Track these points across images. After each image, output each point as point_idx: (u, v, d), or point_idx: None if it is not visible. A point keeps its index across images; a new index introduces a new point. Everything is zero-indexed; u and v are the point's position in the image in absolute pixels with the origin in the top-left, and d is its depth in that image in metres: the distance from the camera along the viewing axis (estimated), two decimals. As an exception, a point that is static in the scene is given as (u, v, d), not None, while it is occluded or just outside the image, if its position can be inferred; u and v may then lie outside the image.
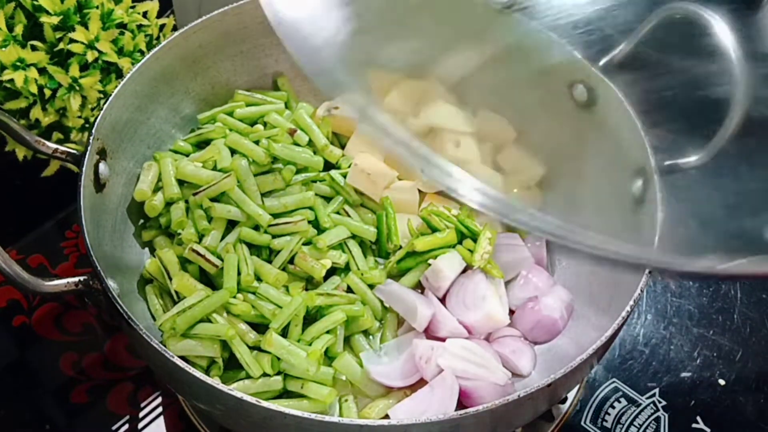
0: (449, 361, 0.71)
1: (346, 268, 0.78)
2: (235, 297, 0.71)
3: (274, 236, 0.76)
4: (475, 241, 0.79)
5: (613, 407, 0.82)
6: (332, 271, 0.77)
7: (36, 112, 0.86)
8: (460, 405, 0.70)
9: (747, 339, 0.88)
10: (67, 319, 0.86)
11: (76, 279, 0.64)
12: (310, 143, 0.84)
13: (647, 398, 0.83)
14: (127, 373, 0.83)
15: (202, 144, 0.84)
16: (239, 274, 0.72)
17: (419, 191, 0.85)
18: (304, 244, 0.76)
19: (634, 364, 0.85)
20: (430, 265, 0.77)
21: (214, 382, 0.58)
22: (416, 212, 0.83)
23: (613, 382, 0.84)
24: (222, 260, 0.72)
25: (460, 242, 0.80)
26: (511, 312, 0.79)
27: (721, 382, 0.84)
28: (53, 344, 0.85)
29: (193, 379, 0.59)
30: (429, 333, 0.75)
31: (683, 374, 0.85)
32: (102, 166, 0.74)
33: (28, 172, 0.90)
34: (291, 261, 0.75)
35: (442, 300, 0.77)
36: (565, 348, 0.77)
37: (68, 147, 0.88)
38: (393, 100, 0.89)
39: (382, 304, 0.76)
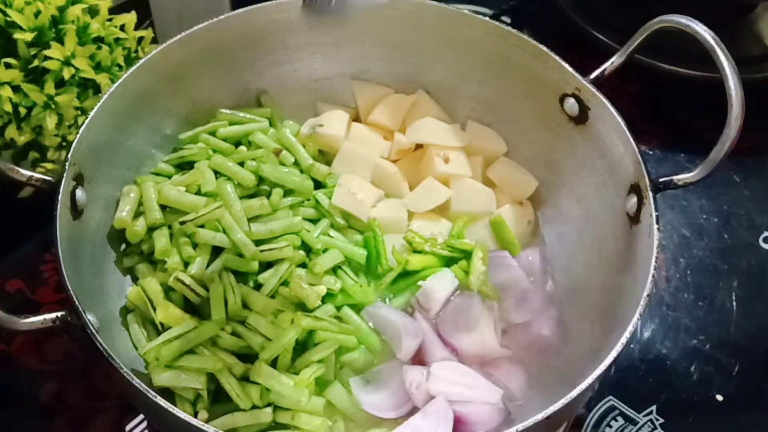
0: (439, 385, 0.69)
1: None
2: (222, 328, 0.68)
3: (260, 263, 0.73)
4: (468, 260, 0.77)
5: (610, 426, 0.81)
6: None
7: (11, 132, 0.83)
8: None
9: (744, 352, 0.86)
10: (48, 346, 0.83)
11: (53, 315, 0.61)
12: (296, 162, 0.81)
13: (644, 416, 0.81)
14: (111, 401, 0.80)
15: (183, 165, 0.81)
16: (226, 303, 0.69)
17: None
18: (299, 265, 0.74)
19: (630, 380, 0.84)
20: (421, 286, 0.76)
21: (199, 423, 0.56)
22: (405, 231, 0.81)
23: (610, 399, 0.82)
24: (207, 289, 0.70)
25: (455, 262, 0.78)
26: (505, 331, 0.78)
27: (719, 398, 0.83)
28: (33, 373, 0.82)
29: (176, 419, 0.57)
30: (418, 360, 0.73)
31: (680, 390, 0.83)
32: (79, 193, 0.70)
33: (4, 192, 0.87)
34: (282, 284, 0.73)
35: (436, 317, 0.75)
36: (561, 368, 0.75)
37: (45, 166, 0.86)
38: (379, 116, 0.87)
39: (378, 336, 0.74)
